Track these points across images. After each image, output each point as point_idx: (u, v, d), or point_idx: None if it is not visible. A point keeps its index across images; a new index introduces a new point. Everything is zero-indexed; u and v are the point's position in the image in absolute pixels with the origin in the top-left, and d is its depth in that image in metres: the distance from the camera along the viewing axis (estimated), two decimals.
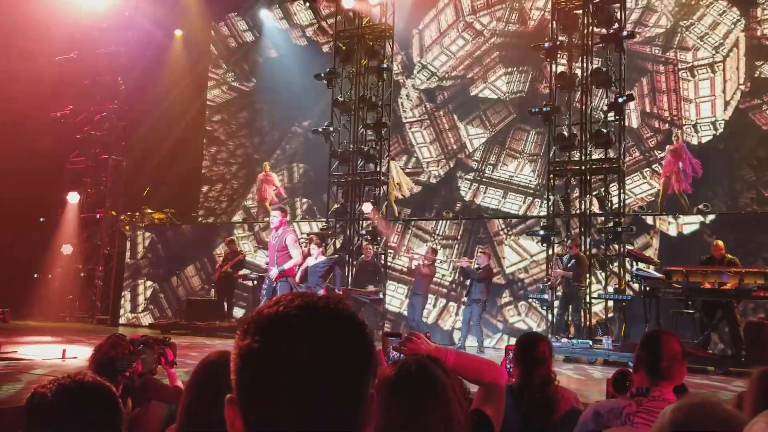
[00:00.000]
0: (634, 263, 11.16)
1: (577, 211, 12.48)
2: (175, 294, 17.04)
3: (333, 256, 12.21)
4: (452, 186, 17.37)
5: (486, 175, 17.09)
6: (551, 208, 12.59)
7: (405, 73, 18.22)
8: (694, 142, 14.88)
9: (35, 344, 10.32)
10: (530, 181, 16.62)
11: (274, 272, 9.66)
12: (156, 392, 3.84)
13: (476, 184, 17.08)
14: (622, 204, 12.22)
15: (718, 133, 14.89)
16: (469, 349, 11.63)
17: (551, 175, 12.77)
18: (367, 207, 13.67)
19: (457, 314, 13.71)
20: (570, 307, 11.61)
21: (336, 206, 14.26)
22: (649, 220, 12.86)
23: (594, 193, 12.45)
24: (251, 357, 0.99)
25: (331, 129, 14.44)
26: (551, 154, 12.77)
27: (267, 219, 15.40)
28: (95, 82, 16.73)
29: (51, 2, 15.96)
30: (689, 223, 12.39)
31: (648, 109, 15.80)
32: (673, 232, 12.54)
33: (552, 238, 12.35)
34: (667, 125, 15.31)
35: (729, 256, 10.41)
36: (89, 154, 16.76)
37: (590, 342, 10.92)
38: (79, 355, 8.27)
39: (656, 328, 9.21)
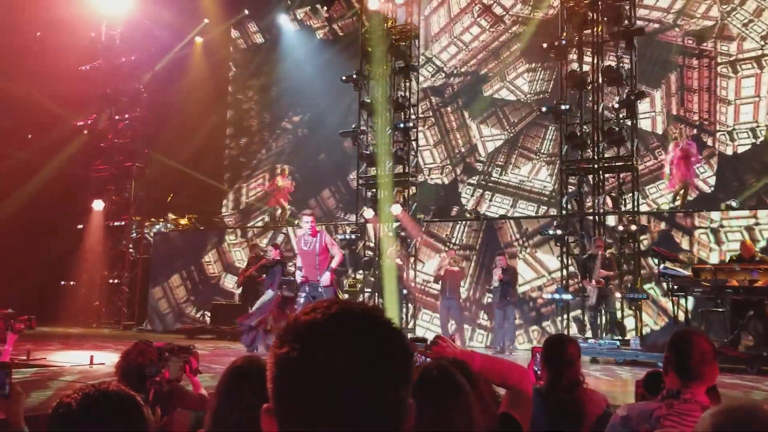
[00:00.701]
0: (661, 262, 11.00)
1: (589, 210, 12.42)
2: (154, 305, 16.60)
3: (279, 260, 12.03)
4: (451, 189, 16.10)
5: (493, 179, 15.60)
6: (566, 207, 12.55)
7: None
8: (729, 152, 13.42)
9: (63, 351, 10.42)
10: (544, 186, 15.00)
11: (326, 277, 9.63)
12: (182, 399, 3.86)
13: (480, 190, 15.67)
14: (636, 202, 12.13)
15: (758, 142, 13.08)
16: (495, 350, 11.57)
17: (565, 175, 12.73)
18: (396, 209, 13.54)
19: (471, 339, 13.25)
20: (603, 306, 11.43)
21: (365, 209, 14.06)
22: (685, 244, 11.99)
23: (607, 191, 12.37)
24: (289, 365, 0.98)
25: (357, 130, 14.43)
26: (563, 153, 12.71)
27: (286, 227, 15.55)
28: (118, 91, 16.90)
29: (74, 13, 16.17)
30: (735, 250, 11.28)
31: (675, 111, 14.11)
32: (714, 259, 11.62)
33: (567, 238, 12.25)
34: (695, 130, 13.64)
35: (759, 254, 10.25)
36: (113, 161, 16.93)
37: (618, 342, 10.80)
38: (106, 361, 8.33)
39: (685, 328, 9.09)
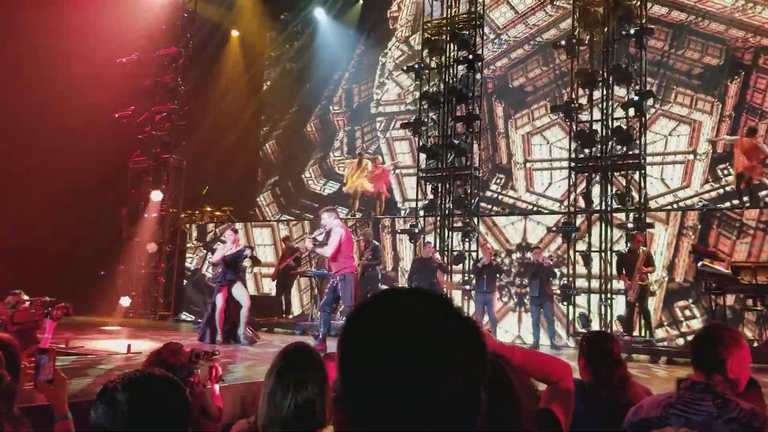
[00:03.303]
0: (699, 259, 10.82)
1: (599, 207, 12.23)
2: (190, 296, 16.52)
3: (248, 245, 11.79)
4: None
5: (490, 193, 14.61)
6: (573, 204, 12.44)
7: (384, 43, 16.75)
8: None
9: (101, 339, 10.61)
10: (557, 205, 13.61)
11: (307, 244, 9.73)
12: (205, 406, 3.89)
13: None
14: (643, 199, 12.02)
15: None
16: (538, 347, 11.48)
17: (573, 172, 12.57)
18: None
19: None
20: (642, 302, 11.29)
21: (425, 201, 13.74)
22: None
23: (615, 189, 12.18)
24: (356, 354, 0.99)
25: (419, 120, 14.04)
26: (573, 151, 12.57)
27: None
28: (156, 83, 17.10)
29: (112, 6, 16.40)
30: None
31: (721, 147, 12.15)
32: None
33: (573, 234, 12.12)
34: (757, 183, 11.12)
35: None
36: (150, 153, 17.13)
37: (653, 339, 10.68)
38: (143, 350, 8.45)
39: (712, 322, 8.95)
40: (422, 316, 0.99)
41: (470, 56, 13.59)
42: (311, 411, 2.40)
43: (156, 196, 16.72)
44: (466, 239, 13.39)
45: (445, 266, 12.96)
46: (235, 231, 11.35)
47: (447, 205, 13.63)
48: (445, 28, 14.03)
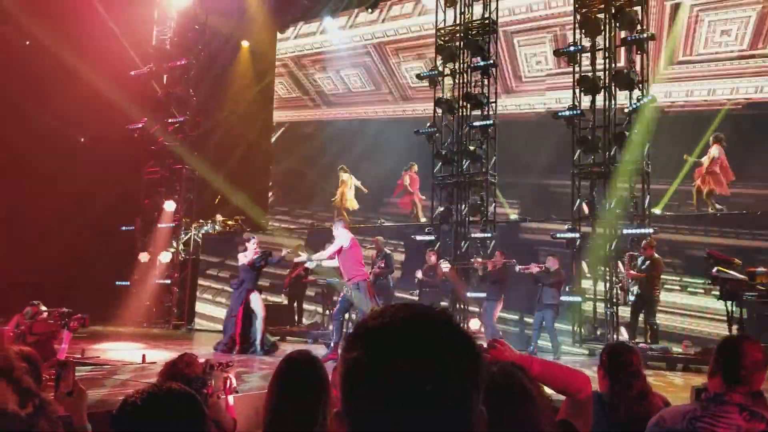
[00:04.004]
0: (714, 265, 10.73)
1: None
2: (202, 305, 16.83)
3: (265, 251, 11.90)
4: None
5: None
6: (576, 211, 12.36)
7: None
8: None
9: (116, 350, 10.66)
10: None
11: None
12: (219, 418, 3.89)
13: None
14: (646, 205, 11.95)
15: None
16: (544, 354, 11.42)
17: (577, 179, 12.49)
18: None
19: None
20: (645, 310, 11.25)
21: (440, 209, 13.69)
22: None
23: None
24: (357, 368, 1.00)
25: (434, 129, 13.97)
26: (576, 157, 12.47)
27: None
28: (168, 95, 17.22)
29: (125, 20, 16.56)
30: None
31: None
32: None
33: (578, 241, 12.07)
34: None
35: None
36: (164, 164, 17.23)
37: (669, 347, 10.62)
38: (158, 360, 8.48)
39: (738, 333, 8.89)
40: (424, 326, 1.02)
41: (484, 62, 13.54)
42: (310, 418, 2.39)
43: (169, 206, 16.82)
44: (481, 245, 13.33)
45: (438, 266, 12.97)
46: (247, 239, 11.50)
47: (462, 212, 13.57)
48: (458, 35, 14.02)
